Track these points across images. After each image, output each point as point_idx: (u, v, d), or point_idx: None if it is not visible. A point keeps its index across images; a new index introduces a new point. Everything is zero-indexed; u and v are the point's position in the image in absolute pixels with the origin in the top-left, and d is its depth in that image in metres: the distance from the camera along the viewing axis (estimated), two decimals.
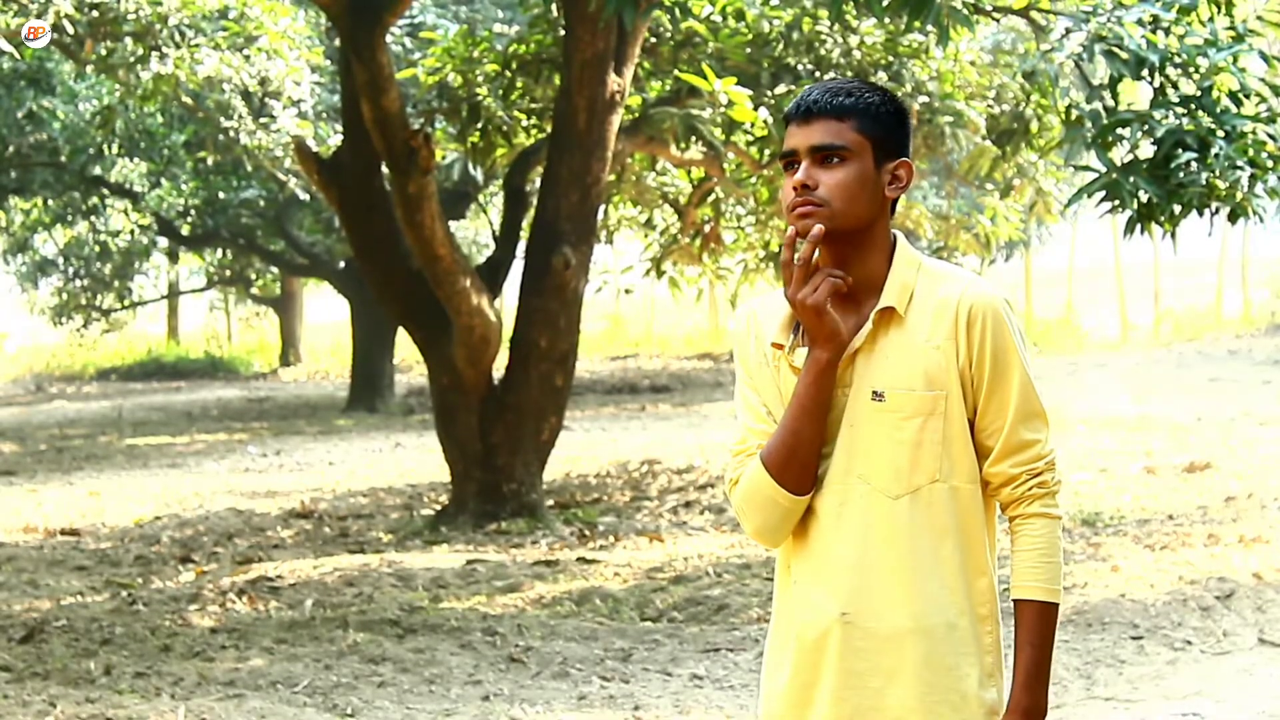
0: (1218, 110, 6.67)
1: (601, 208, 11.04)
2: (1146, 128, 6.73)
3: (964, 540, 2.77)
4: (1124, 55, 6.70)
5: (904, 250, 2.82)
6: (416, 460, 14.68)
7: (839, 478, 2.77)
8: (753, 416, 2.88)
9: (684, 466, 13.31)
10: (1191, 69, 6.77)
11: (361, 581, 8.90)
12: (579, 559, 9.32)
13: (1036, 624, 2.76)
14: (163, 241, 26.51)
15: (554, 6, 10.30)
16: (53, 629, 7.76)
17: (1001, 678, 2.80)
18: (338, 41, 11.25)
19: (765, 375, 2.87)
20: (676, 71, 10.48)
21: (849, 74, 10.61)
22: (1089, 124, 6.90)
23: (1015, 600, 2.78)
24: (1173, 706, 6.21)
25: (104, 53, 12.52)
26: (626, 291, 17.24)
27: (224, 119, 14.50)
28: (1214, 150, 6.54)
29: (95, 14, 11.75)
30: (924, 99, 10.92)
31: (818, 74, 10.59)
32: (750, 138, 11.25)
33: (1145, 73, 6.76)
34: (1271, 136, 6.69)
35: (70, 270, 27.01)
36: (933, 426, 2.74)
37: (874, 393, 2.75)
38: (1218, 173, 6.54)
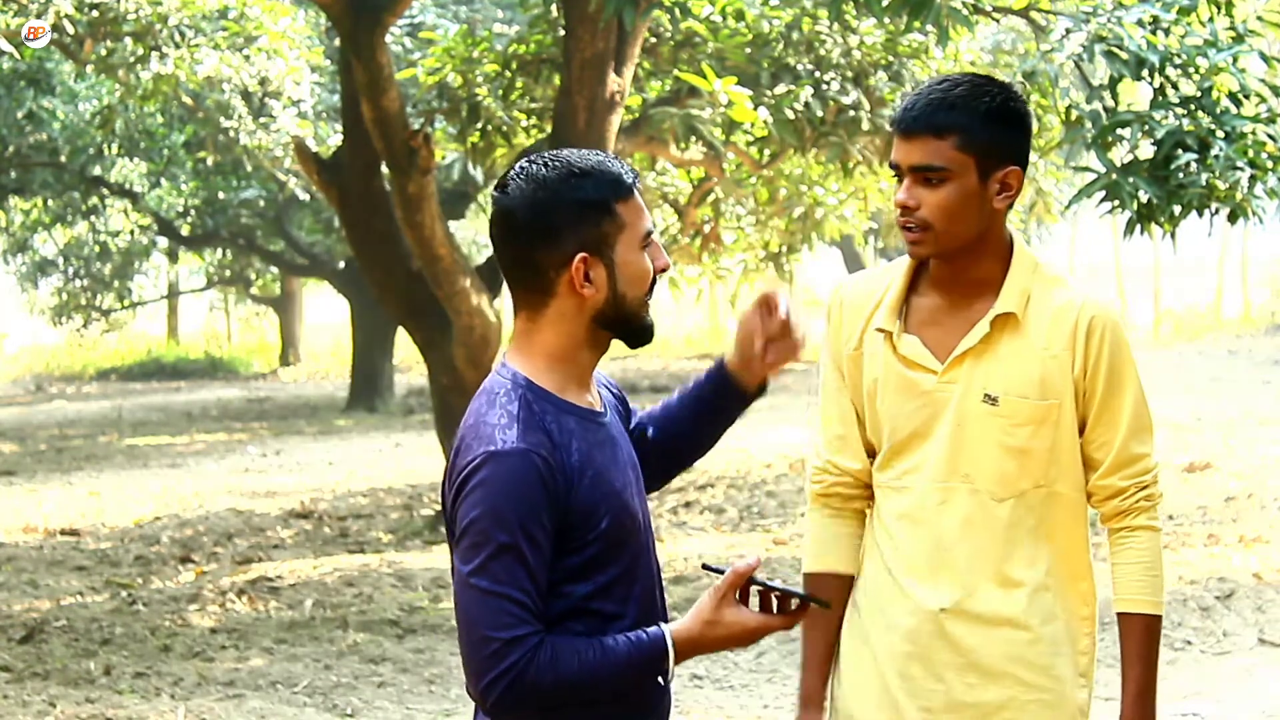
0: (1218, 110, 6.66)
1: None
2: (1146, 128, 6.72)
3: (1065, 544, 2.76)
4: (1124, 55, 6.69)
5: (1021, 252, 2.76)
6: (416, 460, 14.68)
7: (941, 475, 2.75)
8: (842, 420, 2.87)
9: None
10: (1191, 69, 6.77)
11: (361, 581, 8.90)
12: None
13: (1144, 637, 2.74)
14: (163, 241, 26.50)
15: (554, 6, 10.30)
16: (53, 629, 7.76)
17: (1093, 680, 2.79)
18: (338, 41, 11.25)
19: (861, 363, 2.82)
20: (676, 71, 10.47)
21: (849, 74, 10.61)
22: (1089, 124, 6.90)
23: (1120, 613, 2.75)
24: (1173, 706, 6.21)
25: (104, 53, 12.51)
26: None
27: (224, 119, 14.50)
28: (1214, 151, 6.54)
29: (95, 14, 11.74)
30: None
31: (818, 74, 10.58)
32: (750, 138, 11.25)
33: (1145, 73, 6.76)
34: (1271, 137, 6.68)
35: (70, 270, 27.00)
36: (1043, 434, 2.71)
37: (987, 395, 2.71)
38: (1218, 173, 6.53)
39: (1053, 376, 2.70)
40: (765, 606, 2.49)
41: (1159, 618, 2.76)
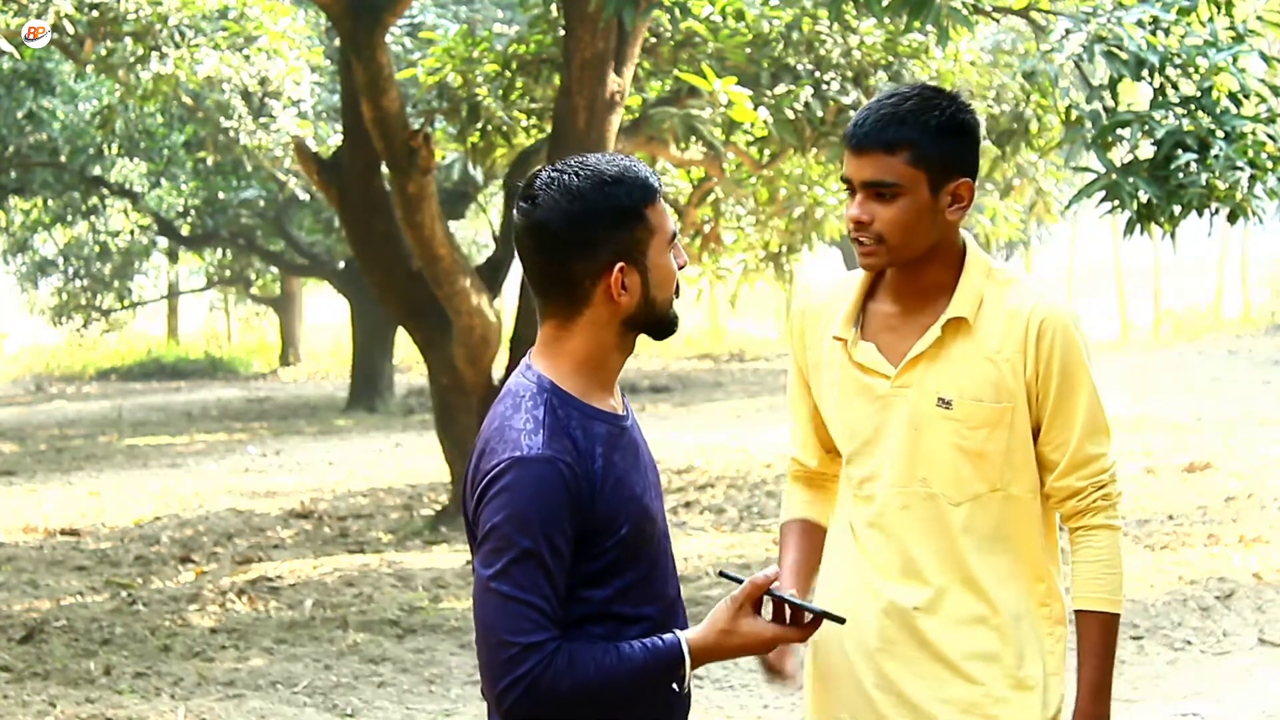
0: (1218, 110, 6.66)
1: None
2: (1146, 128, 6.72)
3: (1022, 546, 2.78)
4: (1124, 56, 6.69)
5: (974, 256, 2.79)
6: (416, 460, 14.68)
7: (902, 480, 2.78)
8: (802, 423, 2.96)
9: (684, 467, 13.31)
10: (1191, 69, 6.77)
11: (361, 581, 8.90)
12: None
13: (1100, 635, 2.77)
14: (163, 241, 26.51)
15: (554, 6, 10.30)
16: (53, 629, 7.76)
17: (1064, 679, 2.81)
18: (338, 41, 11.25)
19: (821, 370, 2.88)
20: (676, 71, 10.48)
21: (849, 74, 10.61)
22: (1089, 124, 6.90)
23: (1077, 611, 2.78)
24: (1173, 707, 6.22)
25: (104, 53, 12.52)
26: None
27: (224, 119, 14.50)
28: (1214, 151, 6.54)
29: (95, 14, 11.75)
30: None
31: (818, 74, 10.58)
32: (750, 138, 11.25)
33: (1145, 73, 6.76)
34: (1271, 137, 6.68)
35: (70, 270, 27.00)
36: (997, 437, 2.74)
37: (940, 399, 2.74)
38: (1218, 173, 6.53)
39: (1005, 379, 2.73)
40: (779, 618, 2.51)
41: (1116, 616, 2.79)
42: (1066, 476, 2.76)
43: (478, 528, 2.42)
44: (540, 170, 2.50)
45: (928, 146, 2.68)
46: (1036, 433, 2.76)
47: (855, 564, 2.85)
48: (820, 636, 2.82)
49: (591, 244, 2.44)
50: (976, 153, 2.78)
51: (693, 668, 2.46)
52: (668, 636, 2.44)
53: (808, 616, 2.50)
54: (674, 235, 2.51)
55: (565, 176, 2.45)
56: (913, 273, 2.78)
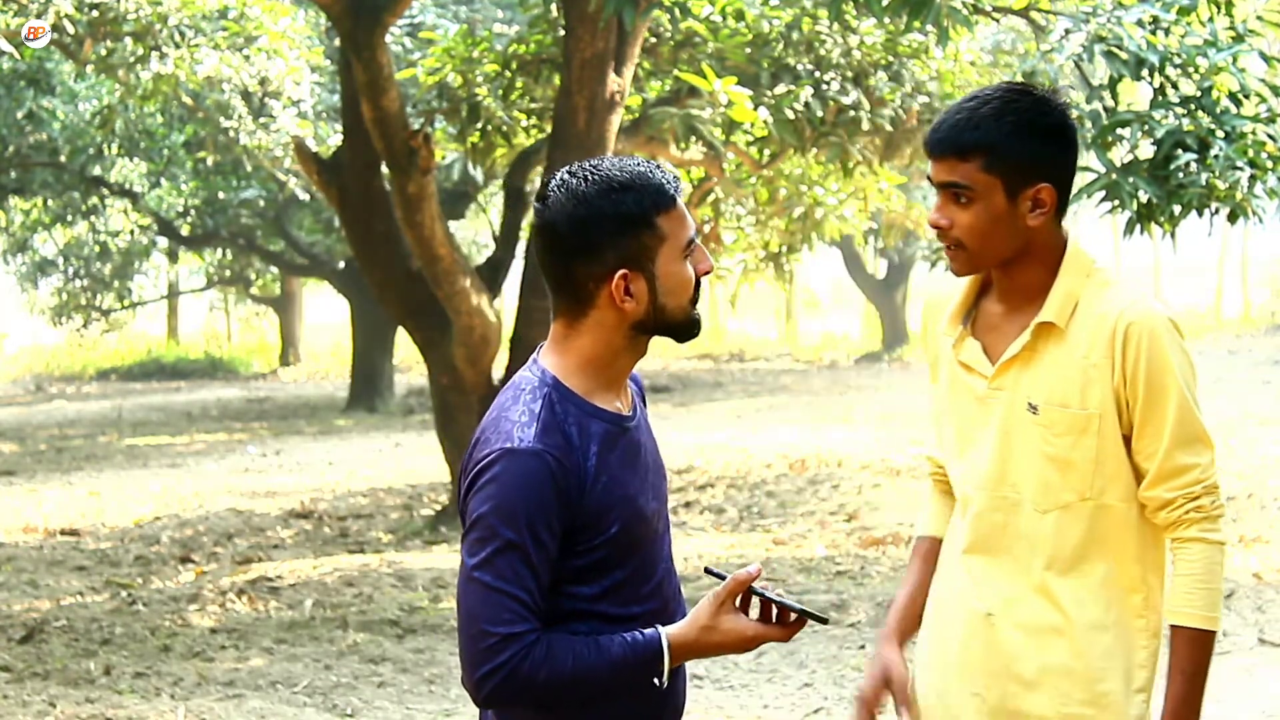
0: (1218, 110, 6.66)
1: None
2: (1146, 128, 6.72)
3: (1114, 557, 2.72)
4: (1124, 55, 6.69)
5: (1074, 258, 2.73)
6: (416, 460, 14.68)
7: (992, 484, 2.75)
8: (932, 416, 2.93)
9: (684, 467, 13.31)
10: (1191, 69, 6.77)
11: (361, 581, 8.90)
12: None
13: (1188, 651, 2.68)
14: (162, 241, 26.51)
15: (554, 6, 10.30)
16: (53, 629, 7.76)
17: (1149, 696, 2.74)
18: (338, 41, 11.25)
19: (938, 365, 2.86)
20: (676, 71, 10.48)
21: (849, 74, 10.61)
22: (1089, 124, 6.90)
23: (1171, 625, 2.71)
24: None
25: (104, 53, 12.52)
26: None
27: (224, 119, 14.50)
28: (1214, 150, 6.54)
29: (95, 14, 11.75)
30: (924, 99, 10.92)
31: (818, 74, 10.58)
32: (750, 138, 11.25)
33: (1145, 73, 6.76)
34: (1271, 136, 6.69)
35: (70, 270, 27.00)
36: (1085, 445, 2.68)
37: (1029, 404, 2.70)
38: (1218, 173, 6.53)
39: (1092, 386, 2.67)
40: (765, 616, 2.50)
41: (1209, 633, 2.68)
42: (1156, 487, 2.68)
43: (466, 517, 2.45)
44: (559, 171, 2.52)
45: (1002, 152, 2.63)
46: (1129, 441, 2.70)
47: (953, 569, 2.83)
48: (926, 627, 2.85)
49: (595, 249, 2.45)
50: (1065, 155, 2.69)
51: (673, 664, 2.45)
52: (648, 631, 2.45)
53: (792, 616, 2.48)
54: (691, 242, 2.50)
55: (575, 180, 2.47)
56: (1010, 273, 2.74)
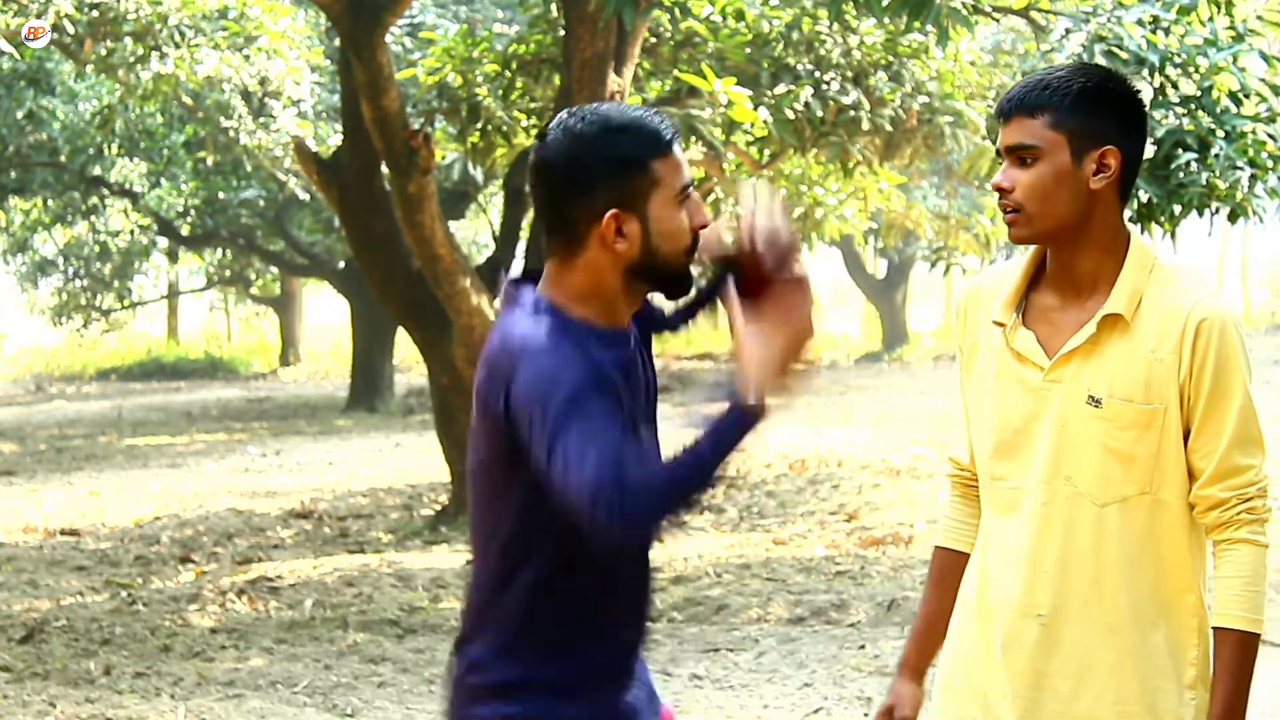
0: (1218, 110, 6.66)
1: None
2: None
3: (1168, 554, 2.70)
4: (1124, 55, 6.69)
5: (1138, 249, 2.71)
6: (416, 460, 14.68)
7: (1046, 477, 2.71)
8: (960, 413, 2.90)
9: None
10: (1191, 69, 6.77)
11: (361, 581, 8.90)
12: None
13: (1234, 654, 2.66)
14: (162, 241, 26.52)
15: (554, 6, 10.30)
16: (53, 629, 7.76)
17: (1199, 695, 2.72)
18: (338, 41, 11.25)
19: (976, 355, 2.82)
20: (676, 71, 10.48)
21: (849, 74, 10.61)
22: None
23: (1215, 628, 2.69)
24: None
25: (104, 53, 12.52)
26: None
27: (224, 119, 14.51)
28: (1214, 150, 6.54)
29: (95, 14, 11.75)
30: (924, 99, 10.92)
31: (818, 74, 10.58)
32: (750, 138, 11.25)
33: (1145, 73, 6.76)
34: (1271, 136, 6.69)
35: (70, 270, 27.01)
36: (1148, 439, 2.65)
37: (1091, 397, 2.67)
38: (1218, 173, 6.53)
39: (1158, 380, 2.64)
40: (755, 284, 2.46)
41: (1255, 635, 2.67)
42: (1211, 486, 2.66)
43: (515, 427, 2.38)
44: (561, 111, 2.54)
45: (1070, 110, 2.64)
46: (1186, 437, 2.67)
47: (985, 558, 2.80)
48: (955, 628, 2.82)
49: (589, 188, 2.45)
50: (1134, 126, 2.70)
51: (759, 403, 2.39)
52: (715, 408, 2.42)
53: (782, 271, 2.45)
54: (686, 189, 2.50)
55: (574, 120, 2.48)
56: (1069, 260, 2.71)
